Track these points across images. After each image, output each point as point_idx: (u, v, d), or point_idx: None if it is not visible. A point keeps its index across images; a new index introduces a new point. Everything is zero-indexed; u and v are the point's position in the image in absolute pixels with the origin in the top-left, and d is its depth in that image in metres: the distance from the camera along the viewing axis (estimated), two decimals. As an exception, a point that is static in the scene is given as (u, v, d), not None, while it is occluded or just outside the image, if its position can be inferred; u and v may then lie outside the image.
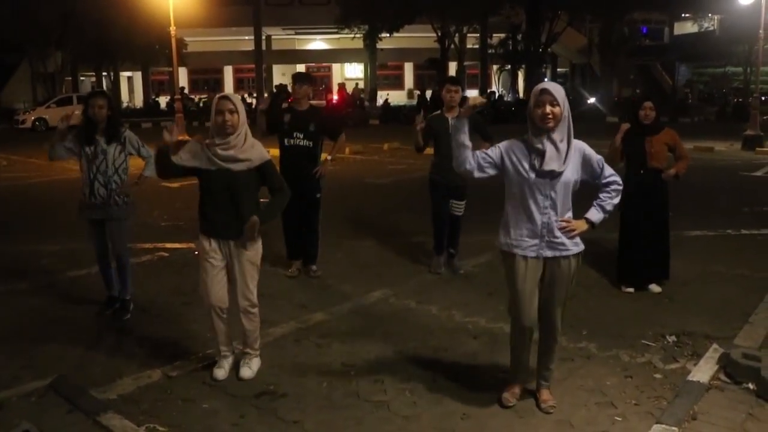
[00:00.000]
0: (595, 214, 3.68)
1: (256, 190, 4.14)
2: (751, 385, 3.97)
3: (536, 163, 3.55)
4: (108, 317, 5.36)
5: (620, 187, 3.73)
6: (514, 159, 3.61)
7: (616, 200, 3.73)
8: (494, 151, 3.68)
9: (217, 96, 4.04)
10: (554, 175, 3.53)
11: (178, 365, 4.42)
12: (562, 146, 3.53)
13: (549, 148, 3.52)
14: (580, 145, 3.63)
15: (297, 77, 6.31)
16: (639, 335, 4.90)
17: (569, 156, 3.54)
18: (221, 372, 4.27)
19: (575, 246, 3.67)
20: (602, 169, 3.67)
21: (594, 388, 4.08)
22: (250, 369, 4.29)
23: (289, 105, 6.32)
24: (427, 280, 6.39)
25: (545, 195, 3.57)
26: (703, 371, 4.19)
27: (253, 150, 4.06)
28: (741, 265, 6.72)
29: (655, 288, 5.92)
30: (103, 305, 5.47)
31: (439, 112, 6.42)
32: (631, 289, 5.94)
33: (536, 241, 3.62)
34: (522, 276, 3.67)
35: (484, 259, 6.90)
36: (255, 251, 4.18)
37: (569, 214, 3.65)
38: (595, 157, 3.66)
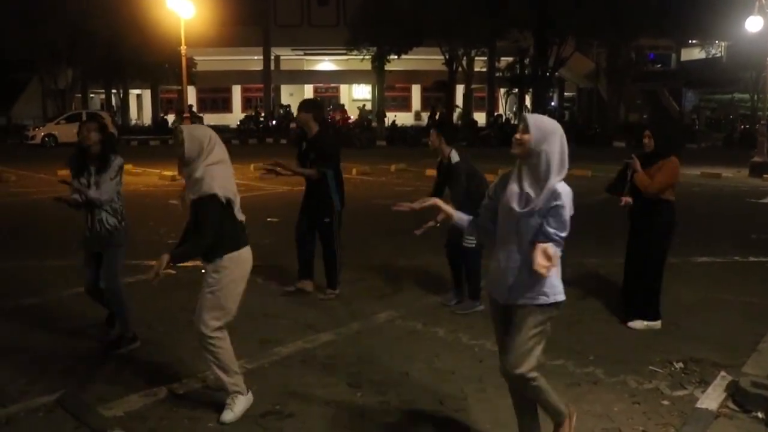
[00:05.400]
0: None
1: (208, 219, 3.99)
2: (760, 414, 3.95)
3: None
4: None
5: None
6: (499, 190, 3.31)
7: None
8: (486, 203, 3.39)
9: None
10: (513, 214, 3.17)
11: (185, 383, 4.43)
12: (529, 186, 3.14)
13: (512, 184, 3.21)
14: (562, 196, 3.08)
15: (299, 105, 6.45)
16: (646, 361, 4.88)
17: (537, 199, 3.10)
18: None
19: (538, 297, 3.18)
20: (553, 231, 3.07)
21: (601, 413, 4.07)
22: (231, 412, 3.90)
23: (301, 129, 6.45)
24: (434, 302, 6.38)
25: (511, 231, 3.21)
26: (711, 399, 4.17)
27: (203, 182, 3.87)
28: (748, 292, 6.70)
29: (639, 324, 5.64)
30: (106, 325, 5.39)
31: None
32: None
33: (500, 281, 3.28)
34: (493, 319, 3.45)
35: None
36: (215, 281, 3.88)
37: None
38: (564, 217, 3.08)
